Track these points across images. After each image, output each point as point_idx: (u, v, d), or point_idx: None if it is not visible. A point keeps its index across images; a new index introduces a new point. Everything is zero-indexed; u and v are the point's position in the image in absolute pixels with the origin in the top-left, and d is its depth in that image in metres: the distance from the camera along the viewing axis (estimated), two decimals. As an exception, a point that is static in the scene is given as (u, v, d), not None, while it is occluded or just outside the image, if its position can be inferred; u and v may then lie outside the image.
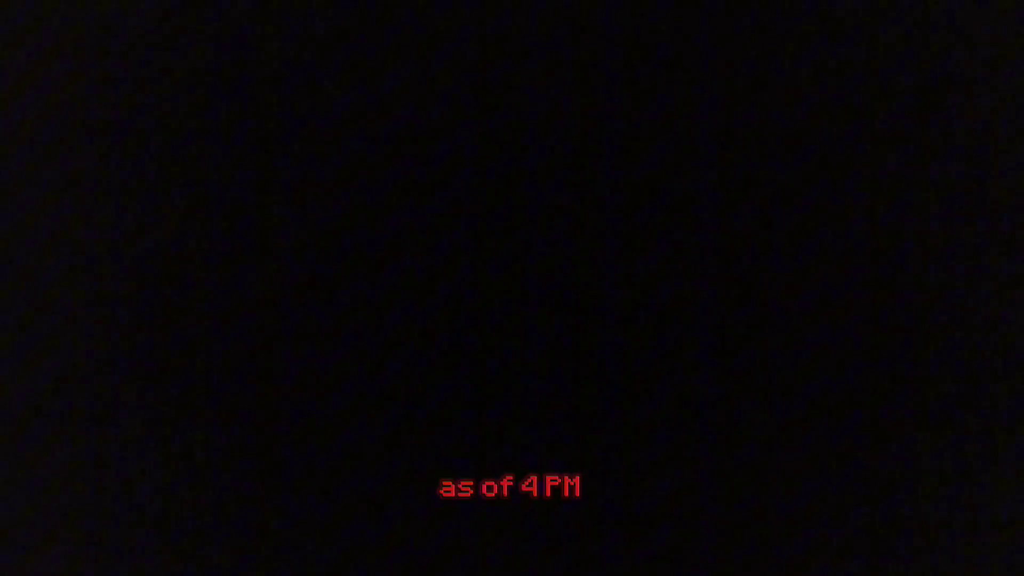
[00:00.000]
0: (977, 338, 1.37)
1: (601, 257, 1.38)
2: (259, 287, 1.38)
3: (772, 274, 1.37)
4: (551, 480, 1.38)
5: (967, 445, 1.36)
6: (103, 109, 1.40)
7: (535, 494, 1.37)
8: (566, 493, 1.37)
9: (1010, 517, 1.36)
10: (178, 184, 1.39)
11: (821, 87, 1.38)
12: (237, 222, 1.39)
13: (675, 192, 1.38)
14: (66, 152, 1.40)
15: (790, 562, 1.36)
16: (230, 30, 1.40)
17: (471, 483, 1.37)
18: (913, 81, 1.38)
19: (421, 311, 1.39)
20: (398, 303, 1.39)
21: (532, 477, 1.38)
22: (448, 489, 1.37)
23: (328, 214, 1.38)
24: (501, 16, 1.39)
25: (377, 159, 1.39)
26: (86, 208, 1.40)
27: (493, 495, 1.37)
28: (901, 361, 1.37)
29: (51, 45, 1.39)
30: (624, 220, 1.38)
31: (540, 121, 1.39)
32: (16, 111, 1.40)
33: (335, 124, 1.40)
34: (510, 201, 1.38)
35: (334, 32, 1.40)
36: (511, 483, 1.37)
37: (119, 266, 1.40)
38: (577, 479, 1.37)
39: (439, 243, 1.38)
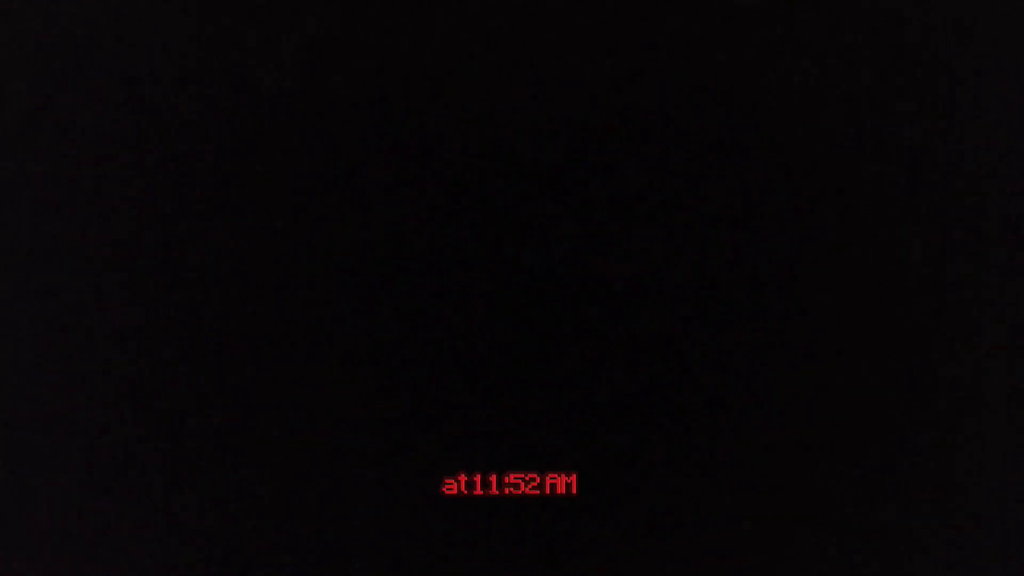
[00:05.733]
0: (977, 339, 1.35)
1: (602, 258, 1.38)
2: (260, 289, 1.38)
3: (773, 275, 1.37)
4: (549, 479, 1.38)
5: (967, 445, 1.35)
6: (103, 109, 1.40)
7: (532, 492, 1.38)
8: (561, 491, 1.38)
9: (1010, 517, 1.35)
10: (178, 185, 1.39)
11: (821, 88, 1.38)
12: (236, 223, 1.39)
13: (676, 193, 1.38)
14: (65, 152, 1.40)
15: (791, 562, 1.36)
16: (231, 30, 1.40)
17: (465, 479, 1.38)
18: (914, 81, 1.38)
19: (432, 316, 1.39)
20: (414, 312, 1.39)
21: (531, 475, 1.38)
22: (451, 487, 1.37)
23: (332, 216, 1.38)
24: (502, 17, 1.39)
25: (378, 160, 1.38)
26: (86, 208, 1.40)
27: (491, 492, 1.37)
28: (904, 361, 1.37)
29: (51, 44, 1.39)
30: (628, 223, 1.37)
31: (539, 122, 1.38)
32: (16, 111, 1.40)
33: (333, 124, 1.40)
34: (520, 206, 1.37)
35: (335, 32, 1.40)
36: (513, 480, 1.37)
37: (118, 266, 1.40)
38: (574, 477, 1.37)
39: (445, 246, 1.38)
